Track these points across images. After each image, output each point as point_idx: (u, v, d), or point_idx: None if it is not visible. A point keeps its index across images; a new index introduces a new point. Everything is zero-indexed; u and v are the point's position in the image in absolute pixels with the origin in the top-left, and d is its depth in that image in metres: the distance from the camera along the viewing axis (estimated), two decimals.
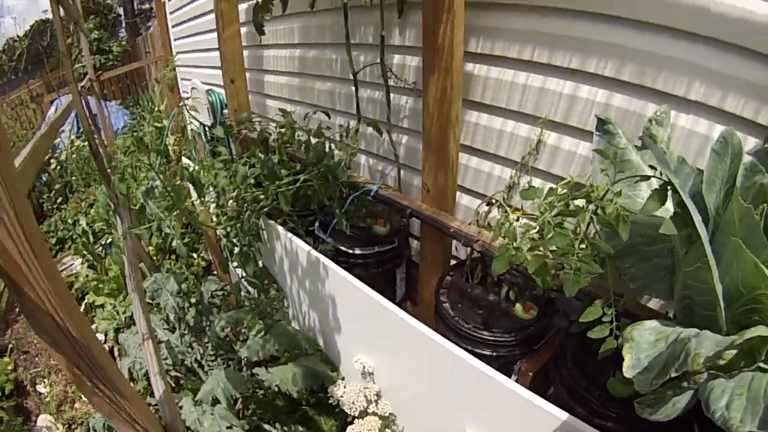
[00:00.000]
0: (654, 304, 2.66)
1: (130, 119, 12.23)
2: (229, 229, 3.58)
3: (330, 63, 4.48)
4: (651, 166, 2.13)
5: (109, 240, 6.76)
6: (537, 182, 3.07)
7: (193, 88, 7.16)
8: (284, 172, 3.52)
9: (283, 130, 3.91)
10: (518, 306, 2.97)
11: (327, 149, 3.60)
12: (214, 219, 3.66)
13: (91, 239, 6.90)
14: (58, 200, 8.74)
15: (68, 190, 8.95)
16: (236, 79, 5.19)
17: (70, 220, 7.74)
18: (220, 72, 5.38)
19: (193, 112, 7.32)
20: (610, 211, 1.93)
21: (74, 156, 9.47)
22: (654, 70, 2.45)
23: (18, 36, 20.49)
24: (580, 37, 2.67)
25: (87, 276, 6.35)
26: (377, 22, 3.47)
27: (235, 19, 5.05)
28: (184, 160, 6.19)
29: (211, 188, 3.60)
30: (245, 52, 5.40)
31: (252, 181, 3.51)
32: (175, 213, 3.35)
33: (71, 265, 6.97)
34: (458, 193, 3.54)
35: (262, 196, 3.51)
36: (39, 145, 2.53)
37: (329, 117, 4.10)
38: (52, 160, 9.29)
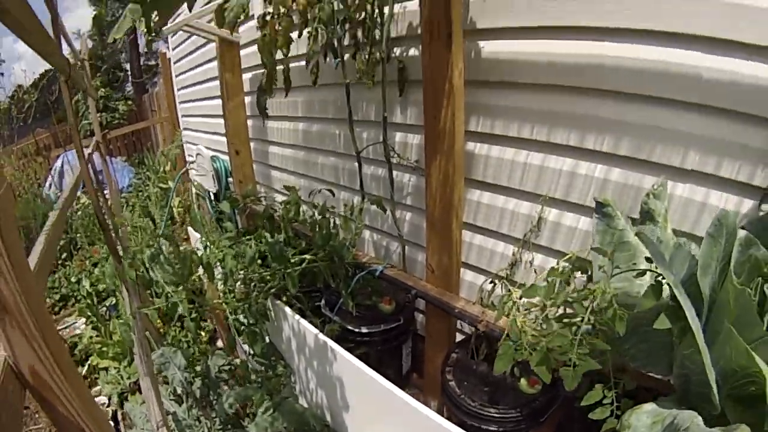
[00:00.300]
0: None
1: (135, 178, 12.31)
2: (237, 309, 3.60)
3: (333, 138, 4.54)
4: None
5: (114, 302, 6.74)
6: (539, 258, 3.09)
7: (198, 154, 7.23)
8: (290, 251, 3.56)
9: (288, 206, 3.95)
10: (523, 381, 2.97)
11: (332, 227, 3.64)
12: (221, 296, 3.68)
13: (95, 300, 6.88)
14: (63, 256, 8.75)
15: (73, 247, 8.96)
16: (241, 151, 5.26)
17: (73, 278, 7.73)
18: (224, 139, 5.45)
19: (197, 178, 7.39)
20: (608, 309, 1.97)
21: (79, 213, 9.50)
22: (650, 143, 2.51)
23: (27, 87, 20.67)
24: (578, 114, 2.74)
25: (91, 338, 6.33)
26: (379, 99, 3.54)
27: (240, 90, 5.14)
28: (190, 230, 6.22)
29: (219, 266, 3.63)
30: (249, 122, 5.48)
31: (259, 261, 3.55)
32: (182, 288, 3.38)
33: (74, 323, 6.95)
34: (462, 270, 3.56)
35: (269, 277, 3.55)
36: (51, 236, 2.54)
37: (333, 195, 4.15)
38: None
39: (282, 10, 2.82)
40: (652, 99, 2.46)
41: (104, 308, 6.86)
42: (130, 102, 18.71)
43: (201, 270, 3.53)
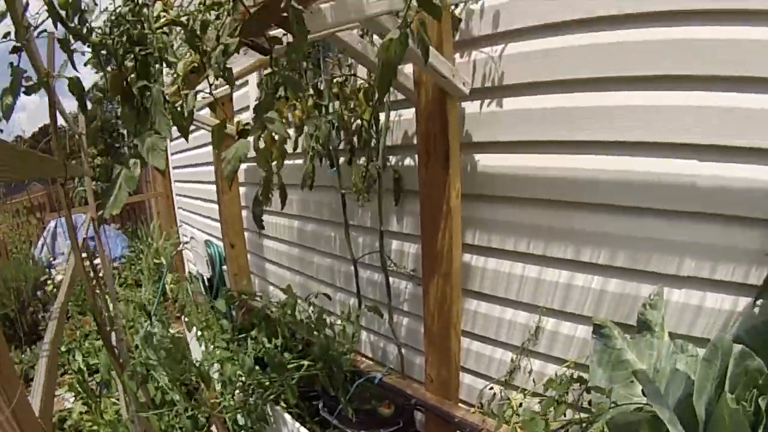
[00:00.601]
0: None
1: (128, 250, 12.24)
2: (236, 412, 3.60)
3: (329, 240, 4.56)
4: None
5: (106, 379, 6.58)
6: (537, 364, 3.09)
7: (192, 238, 7.24)
8: (288, 357, 3.56)
9: (285, 308, 3.96)
10: None
11: (328, 330, 3.65)
12: (219, 396, 3.67)
13: (86, 375, 6.73)
14: None
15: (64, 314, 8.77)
16: (236, 244, 5.27)
17: (64, 348, 7.60)
18: (218, 225, 5.45)
19: (191, 266, 7.38)
20: None
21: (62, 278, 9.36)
22: (646, 253, 2.54)
23: (27, 138, 20.57)
24: (574, 229, 2.78)
25: (81, 414, 6.19)
26: (374, 207, 3.60)
27: (235, 184, 5.17)
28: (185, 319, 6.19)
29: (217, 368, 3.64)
30: (244, 213, 5.50)
31: (257, 367, 3.55)
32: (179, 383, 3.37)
33: (63, 395, 6.81)
34: (461, 374, 3.55)
35: (267, 383, 3.54)
36: (51, 365, 2.51)
37: (330, 299, 4.15)
38: (48, 282, 9.14)
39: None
40: (646, 210, 2.51)
41: (94, 382, 6.70)
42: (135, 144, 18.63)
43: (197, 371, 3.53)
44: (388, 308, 3.78)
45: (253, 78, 4.97)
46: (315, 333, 3.70)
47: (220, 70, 1.96)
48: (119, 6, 2.08)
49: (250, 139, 1.98)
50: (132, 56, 1.95)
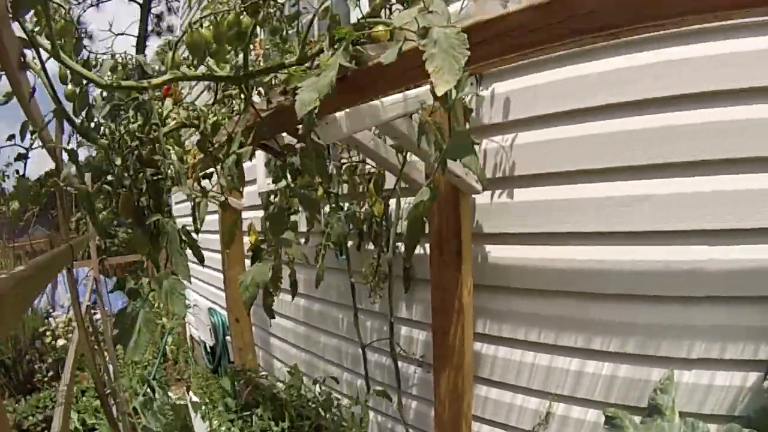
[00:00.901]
0: None
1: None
2: None
3: (336, 321, 4.52)
4: None
5: None
6: None
7: (195, 305, 7.18)
8: None
9: (291, 389, 3.92)
10: None
11: (336, 410, 3.60)
12: None
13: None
14: (50, 373, 8.43)
15: (60, 366, 8.59)
16: (241, 319, 5.23)
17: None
18: (222, 293, 5.41)
19: (193, 329, 7.31)
20: None
21: (70, 336, 9.20)
22: (656, 339, 2.53)
23: (32, 183, 20.51)
24: (585, 319, 2.76)
25: None
26: (383, 293, 3.56)
27: (240, 259, 5.15)
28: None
29: None
30: None
31: None
32: None
33: None
34: None
35: None
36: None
37: (337, 382, 4.10)
38: (47, 333, 8.97)
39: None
40: (656, 298, 2.51)
41: None
42: (130, 231, 18.60)
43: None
44: (397, 392, 3.72)
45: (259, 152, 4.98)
46: (323, 415, 3.64)
47: (232, 179, 1.94)
48: (128, 116, 2.06)
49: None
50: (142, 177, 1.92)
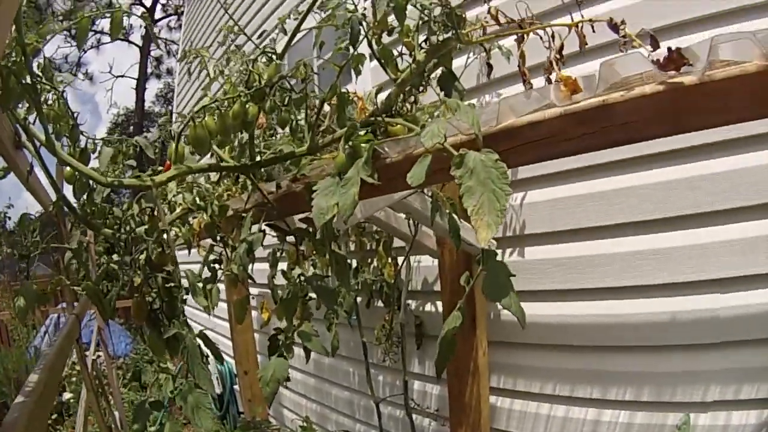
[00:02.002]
0: None
1: (132, 351, 11.99)
2: None
3: (347, 375, 4.49)
4: None
5: None
6: None
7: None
8: None
9: None
10: None
11: None
12: None
13: None
14: (53, 416, 8.34)
15: (65, 410, 8.53)
16: (249, 371, 5.19)
17: None
18: (229, 342, 5.37)
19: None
20: None
21: (74, 380, 9.11)
22: (671, 387, 2.52)
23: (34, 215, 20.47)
24: (600, 371, 2.76)
25: None
26: (397, 355, 3.55)
27: (248, 313, 5.10)
28: None
29: None
30: (257, 336, 5.42)
31: None
32: None
33: None
34: None
35: None
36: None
37: None
38: None
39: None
40: (671, 347, 2.53)
41: None
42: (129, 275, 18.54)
43: None
44: None
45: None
46: None
47: (243, 270, 1.89)
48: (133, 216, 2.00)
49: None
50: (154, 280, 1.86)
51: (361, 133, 1.56)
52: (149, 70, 25.05)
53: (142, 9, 25.18)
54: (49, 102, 1.80)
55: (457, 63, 2.18)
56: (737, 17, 2.37)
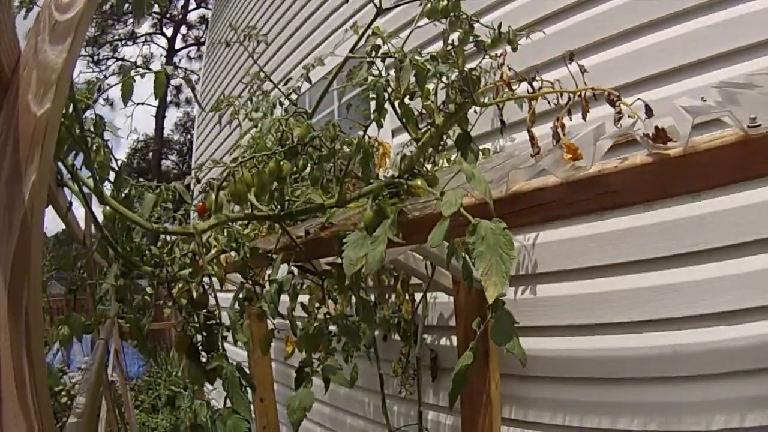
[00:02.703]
0: None
1: (145, 374, 12.06)
2: None
3: (362, 404, 4.59)
4: None
5: None
6: None
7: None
8: None
9: None
10: None
11: None
12: None
13: None
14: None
15: None
16: (266, 398, 5.28)
17: None
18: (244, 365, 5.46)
19: (214, 402, 7.32)
20: None
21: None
22: (677, 416, 2.60)
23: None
24: (608, 402, 2.84)
25: None
26: (413, 387, 3.67)
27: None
28: None
29: None
30: (273, 365, 5.53)
31: None
32: None
33: None
34: None
35: None
36: None
37: None
38: (62, 392, 8.86)
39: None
40: (676, 378, 2.60)
41: None
42: (147, 298, 18.52)
43: None
44: None
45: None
46: None
47: (273, 308, 2.04)
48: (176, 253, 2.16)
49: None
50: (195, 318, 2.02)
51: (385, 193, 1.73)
52: (169, 99, 25.38)
53: (164, 39, 25.64)
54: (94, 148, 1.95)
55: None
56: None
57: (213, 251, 2.25)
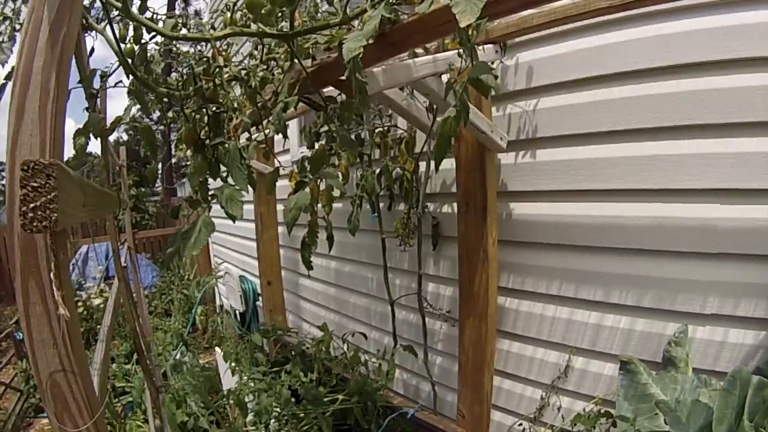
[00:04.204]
0: None
1: (159, 280, 12.28)
2: None
3: (366, 281, 4.72)
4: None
5: (130, 400, 6.47)
6: (566, 401, 3.19)
7: (226, 273, 7.39)
8: (323, 390, 3.71)
9: (321, 344, 4.11)
10: None
11: (363, 367, 3.77)
12: (251, 427, 3.78)
13: (111, 396, 6.62)
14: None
15: (91, 336, 8.64)
16: (273, 282, 5.42)
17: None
18: (254, 261, 5.54)
19: (224, 299, 7.50)
20: None
21: (102, 306, 9.21)
22: (671, 294, 2.68)
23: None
24: (603, 273, 2.93)
25: None
26: (413, 251, 3.78)
27: (274, 222, 5.33)
28: (217, 350, 6.31)
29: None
30: (282, 251, 5.65)
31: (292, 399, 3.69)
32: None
33: None
34: (492, 411, 3.64)
35: (302, 415, 3.67)
36: (102, 385, 2.65)
37: (366, 338, 4.28)
38: (79, 303, 9.04)
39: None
40: (672, 253, 2.67)
41: (119, 404, 6.61)
42: (159, 206, 18.79)
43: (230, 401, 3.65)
44: (423, 347, 3.91)
45: (292, 124, 5.18)
46: (350, 369, 3.83)
47: (279, 125, 2.13)
48: (192, 62, 2.28)
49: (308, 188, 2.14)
50: (204, 111, 2.14)
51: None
52: (177, 12, 25.12)
53: None
54: None
55: None
56: None
57: (225, 76, 2.33)
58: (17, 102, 1.18)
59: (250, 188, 2.10)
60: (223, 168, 2.09)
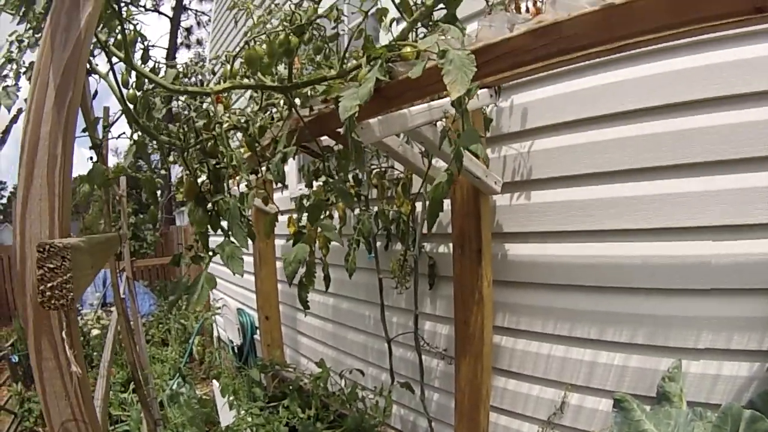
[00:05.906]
0: None
1: (156, 309, 12.24)
2: None
3: (363, 318, 4.75)
4: None
5: (126, 429, 6.43)
6: None
7: (224, 305, 7.42)
8: (320, 426, 3.74)
9: (318, 381, 4.14)
10: None
11: (360, 403, 3.81)
12: None
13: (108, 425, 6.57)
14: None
15: (88, 363, 8.60)
16: (271, 317, 5.45)
17: None
18: (252, 294, 5.57)
19: (221, 330, 7.51)
20: None
21: (98, 333, 9.22)
22: (665, 330, 2.72)
23: None
24: (597, 311, 2.97)
25: None
26: (409, 290, 3.81)
27: (272, 259, 5.37)
28: (214, 383, 6.31)
29: None
30: (279, 286, 5.68)
31: None
32: None
33: None
34: None
35: None
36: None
37: (363, 374, 4.31)
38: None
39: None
40: (665, 291, 2.71)
41: None
42: (158, 234, 18.74)
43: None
44: (420, 384, 3.92)
45: (291, 161, 5.23)
46: (348, 405, 3.86)
47: (278, 175, 2.19)
48: (192, 114, 2.35)
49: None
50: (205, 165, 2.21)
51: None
52: (179, 41, 25.39)
53: None
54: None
55: None
56: None
57: (225, 125, 2.40)
58: (26, 169, 1.24)
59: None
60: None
